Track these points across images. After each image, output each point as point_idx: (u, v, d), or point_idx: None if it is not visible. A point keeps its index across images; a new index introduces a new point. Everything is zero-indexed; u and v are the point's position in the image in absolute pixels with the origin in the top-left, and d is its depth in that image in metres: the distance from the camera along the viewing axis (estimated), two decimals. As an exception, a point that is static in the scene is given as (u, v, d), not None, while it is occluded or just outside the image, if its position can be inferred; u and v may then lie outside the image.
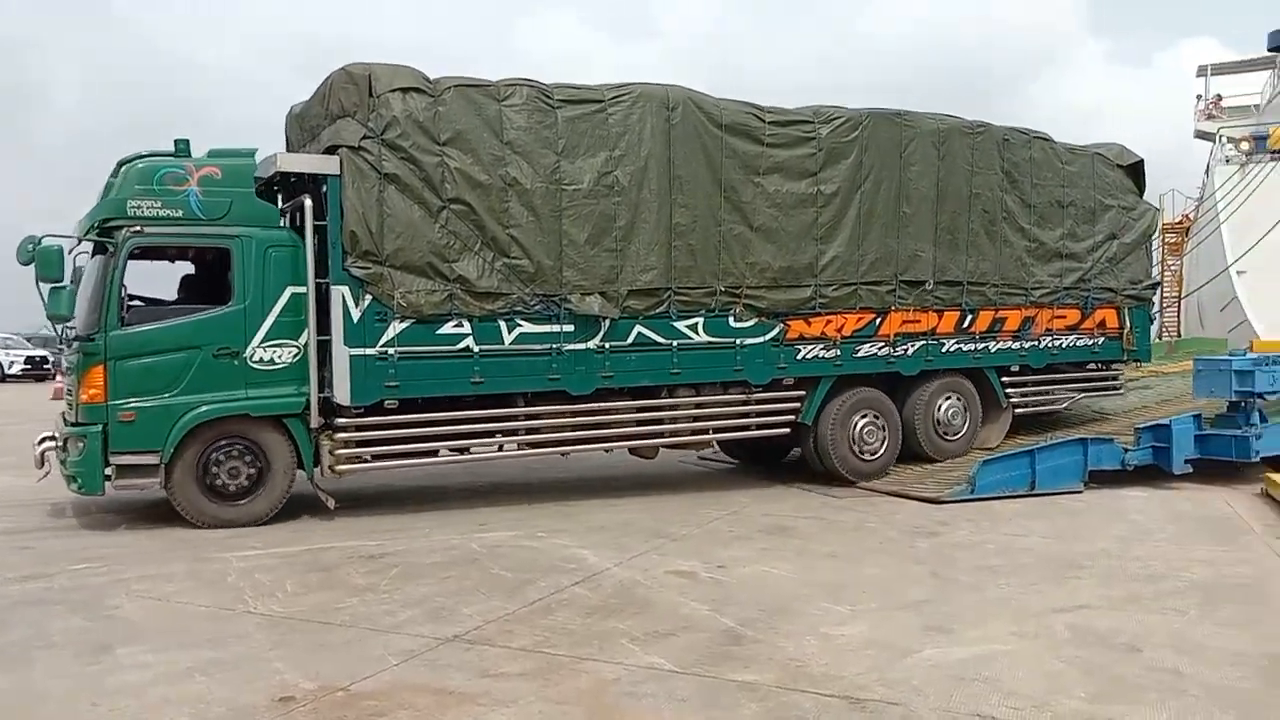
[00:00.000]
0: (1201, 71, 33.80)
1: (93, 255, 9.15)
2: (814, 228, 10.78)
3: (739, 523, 9.17)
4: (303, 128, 9.95)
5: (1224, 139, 26.44)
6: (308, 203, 8.93)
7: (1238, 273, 21.83)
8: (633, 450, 10.84)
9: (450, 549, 8.03)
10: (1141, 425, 11.35)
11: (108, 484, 8.68)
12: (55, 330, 9.37)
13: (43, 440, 9.39)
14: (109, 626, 6.04)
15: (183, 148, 9.02)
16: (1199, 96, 33.47)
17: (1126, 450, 10.91)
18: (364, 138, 8.78)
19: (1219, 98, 32.84)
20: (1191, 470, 10.90)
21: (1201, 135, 32.86)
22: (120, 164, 9.06)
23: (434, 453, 9.68)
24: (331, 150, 8.88)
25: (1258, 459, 10.84)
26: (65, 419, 9.26)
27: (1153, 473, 10.94)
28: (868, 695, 4.81)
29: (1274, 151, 23.48)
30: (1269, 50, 30.21)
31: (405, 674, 5.15)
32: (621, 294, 9.81)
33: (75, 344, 8.89)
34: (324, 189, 8.87)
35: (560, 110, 9.60)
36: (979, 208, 11.91)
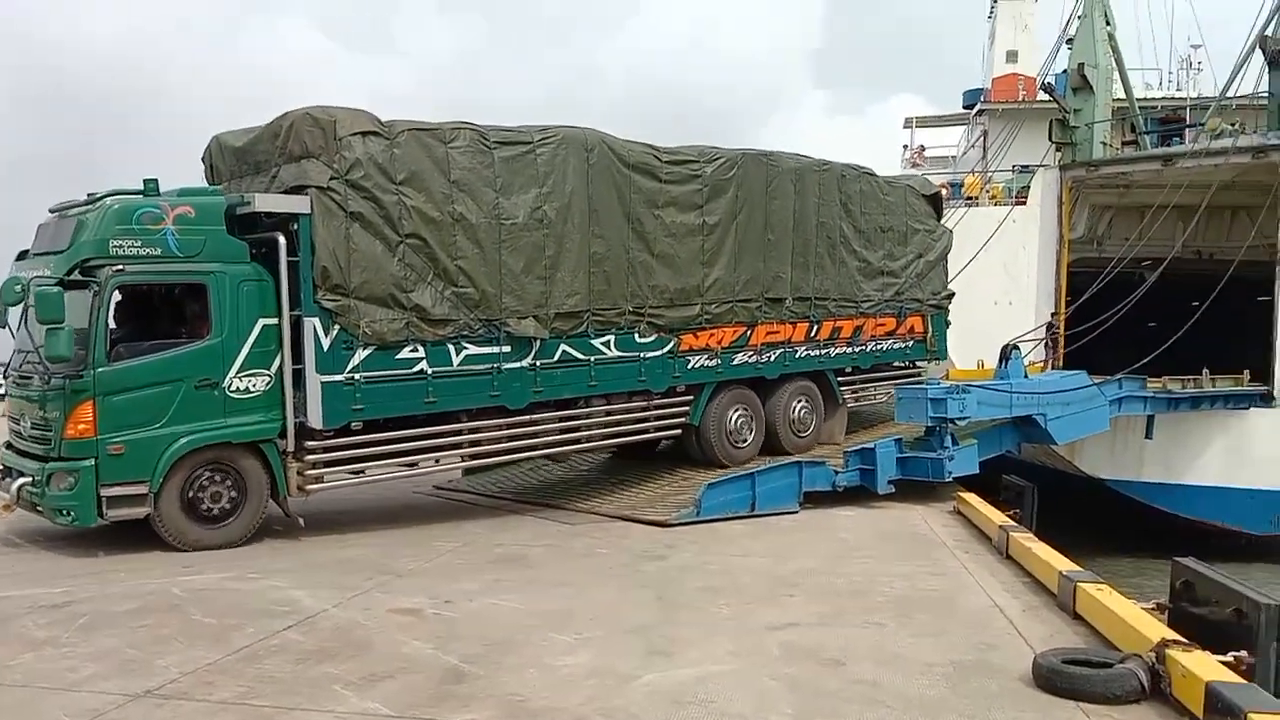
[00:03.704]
0: (908, 124, 36.91)
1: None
2: (701, 253, 12.23)
3: (471, 554, 9.02)
4: (242, 160, 10.32)
5: (926, 185, 28.86)
6: (282, 240, 9.30)
7: (936, 306, 23.91)
8: (550, 457, 12.14)
9: (148, 595, 7.39)
10: (849, 449, 12.17)
11: (100, 516, 8.75)
12: (44, 367, 8.91)
13: (7, 476, 9.34)
14: None
15: (152, 187, 9.23)
16: (905, 146, 36.51)
17: (837, 472, 11.65)
18: (331, 178, 9.24)
19: (922, 148, 35.99)
20: (894, 490, 11.77)
21: (907, 181, 35.75)
22: (89, 201, 9.17)
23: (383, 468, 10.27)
24: (298, 190, 9.28)
25: (950, 479, 11.87)
26: (22, 451, 9.34)
27: (862, 492, 11.72)
28: (586, 726, 4.80)
29: (968, 198, 25.96)
30: (964, 108, 33.56)
31: (82, 738, 4.65)
32: (550, 316, 10.77)
33: (52, 379, 8.85)
34: (294, 227, 9.28)
35: (496, 151, 10.36)
36: (824, 234, 13.80)
